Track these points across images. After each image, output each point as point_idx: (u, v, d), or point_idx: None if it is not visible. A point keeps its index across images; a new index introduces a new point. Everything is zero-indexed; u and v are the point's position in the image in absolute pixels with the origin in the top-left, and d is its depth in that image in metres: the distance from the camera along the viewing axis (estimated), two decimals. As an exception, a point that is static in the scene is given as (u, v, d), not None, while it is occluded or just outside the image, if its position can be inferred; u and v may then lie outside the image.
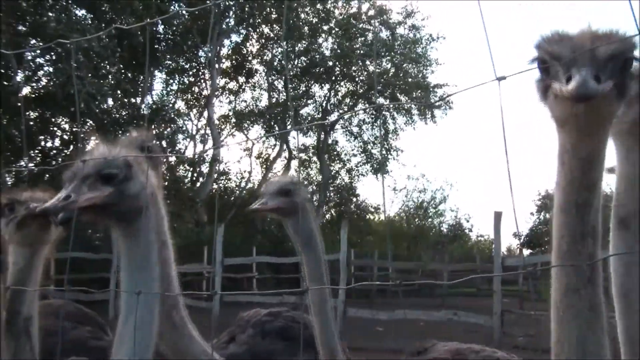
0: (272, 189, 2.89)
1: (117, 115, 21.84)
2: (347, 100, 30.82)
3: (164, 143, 23.87)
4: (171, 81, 27.06)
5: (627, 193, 1.77)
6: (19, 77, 16.25)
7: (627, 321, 1.73)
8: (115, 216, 1.89)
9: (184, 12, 19.42)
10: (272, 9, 25.69)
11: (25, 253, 2.38)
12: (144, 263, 1.88)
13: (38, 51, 17.78)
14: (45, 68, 19.49)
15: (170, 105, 26.59)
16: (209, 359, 2.10)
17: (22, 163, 16.24)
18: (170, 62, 26.15)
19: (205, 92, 27.79)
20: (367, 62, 27.74)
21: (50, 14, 18.87)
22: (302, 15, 26.64)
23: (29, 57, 17.97)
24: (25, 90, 19.42)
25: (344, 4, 27.19)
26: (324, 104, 30.45)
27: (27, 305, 2.37)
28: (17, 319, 2.34)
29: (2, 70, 17.55)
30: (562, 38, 1.47)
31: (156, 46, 23.96)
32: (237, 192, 31.06)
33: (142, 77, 22.46)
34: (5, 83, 17.81)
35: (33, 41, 17.99)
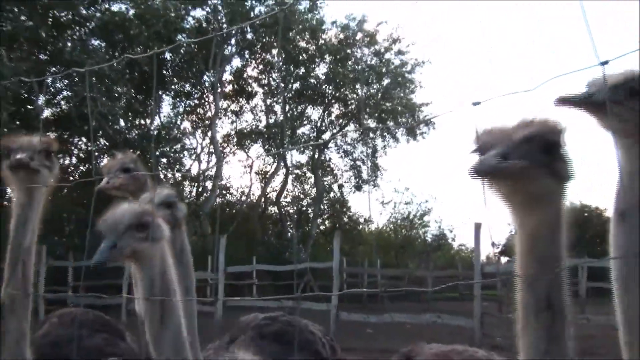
0: (155, 201, 2.71)
1: (129, 135, 21.86)
2: (340, 120, 30.94)
3: (170, 160, 23.90)
4: (178, 104, 27.09)
5: (627, 188, 1.70)
6: (40, 101, 16.34)
7: (625, 304, 1.68)
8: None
9: (187, 41, 19.49)
10: (271, 37, 25.83)
11: (24, 194, 2.46)
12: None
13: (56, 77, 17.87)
14: (64, 92, 19.55)
15: (177, 125, 26.65)
16: None
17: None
18: (177, 87, 26.23)
19: (209, 114, 27.83)
20: (357, 86, 27.89)
21: (69, 43, 19.02)
22: (300, 43, 26.77)
23: (49, 82, 18.04)
24: (46, 112, 19.49)
25: (336, 34, 27.35)
26: (318, 124, 30.58)
27: (29, 238, 2.44)
28: (18, 250, 2.41)
29: (26, 95, 17.68)
30: (494, 129, 1.48)
31: (164, 72, 24.07)
32: (238, 205, 31.04)
33: (151, 100, 22.53)
34: (28, 107, 17.93)
35: (53, 68, 18.11)
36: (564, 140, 1.49)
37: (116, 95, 19.83)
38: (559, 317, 1.44)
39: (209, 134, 27.56)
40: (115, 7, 20.85)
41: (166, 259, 2.11)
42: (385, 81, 28.08)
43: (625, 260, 1.71)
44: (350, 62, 27.40)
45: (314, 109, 30.24)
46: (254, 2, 24.10)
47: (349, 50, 27.11)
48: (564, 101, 1.73)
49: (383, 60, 28.05)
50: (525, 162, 1.39)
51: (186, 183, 27.92)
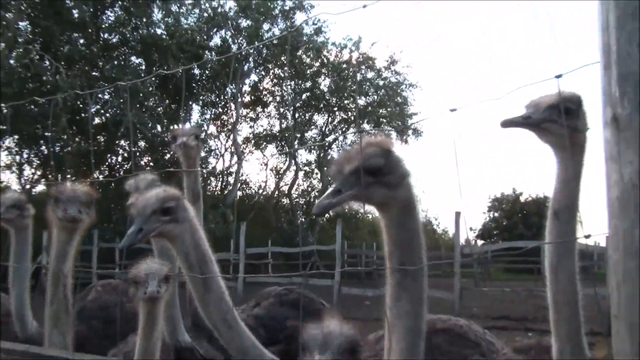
0: (141, 186, 2.75)
1: (164, 138, 21.94)
2: (342, 125, 30.88)
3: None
4: (205, 111, 27.23)
5: (561, 191, 1.75)
6: (93, 109, 16.58)
7: (554, 289, 1.73)
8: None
9: (213, 58, 19.48)
10: (282, 55, 25.79)
11: (65, 234, 2.49)
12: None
13: (104, 90, 18.09)
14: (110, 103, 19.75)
15: (204, 130, 26.72)
16: (258, 353, 2.03)
17: (95, 175, 16.46)
18: (204, 97, 26.31)
19: (231, 120, 27.87)
20: (357, 97, 27.80)
21: (115, 62, 19.17)
22: (306, 60, 26.72)
23: (99, 95, 18.27)
24: (96, 120, 19.65)
25: (338, 53, 27.26)
26: (323, 129, 30.54)
27: (67, 266, 2.48)
28: (59, 276, 2.44)
29: (81, 106, 17.90)
30: (337, 160, 1.61)
31: (193, 84, 24.12)
32: (256, 197, 31.10)
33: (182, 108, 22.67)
34: (83, 115, 18.13)
35: (101, 82, 18.30)
36: (391, 157, 1.59)
37: (147, 106, 19.99)
38: (410, 277, 1.62)
39: (231, 137, 27.59)
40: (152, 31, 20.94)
41: (197, 233, 2.03)
42: (381, 92, 27.96)
43: (556, 249, 1.74)
44: (350, 77, 27.31)
45: (319, 115, 30.25)
46: (267, 24, 24.11)
47: (345, 66, 27.03)
48: (508, 123, 1.75)
49: (382, 76, 27.94)
50: (353, 192, 1.53)
51: (212, 178, 28.03)
